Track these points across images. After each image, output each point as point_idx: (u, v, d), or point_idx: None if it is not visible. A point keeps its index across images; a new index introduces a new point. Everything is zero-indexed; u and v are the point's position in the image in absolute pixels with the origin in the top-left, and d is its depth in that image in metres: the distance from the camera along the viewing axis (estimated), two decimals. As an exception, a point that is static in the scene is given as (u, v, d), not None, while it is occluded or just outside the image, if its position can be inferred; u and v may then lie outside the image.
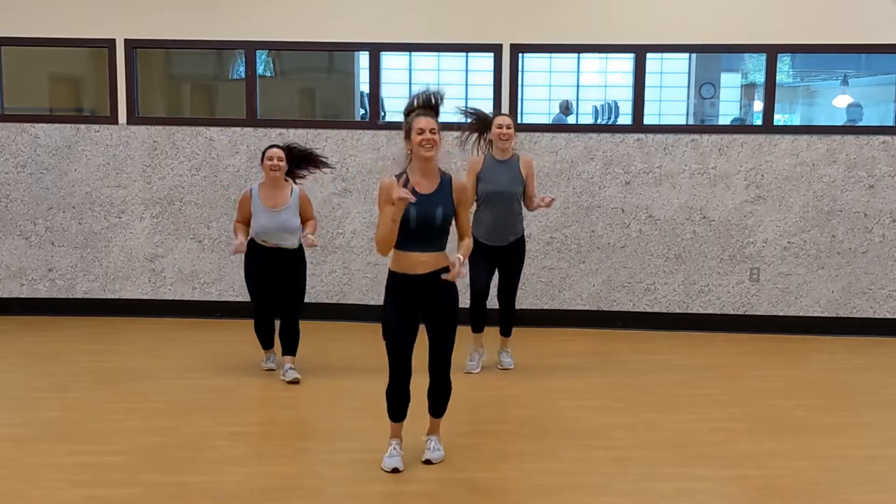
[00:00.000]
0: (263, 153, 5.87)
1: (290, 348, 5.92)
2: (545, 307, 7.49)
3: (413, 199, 3.96)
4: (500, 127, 5.89)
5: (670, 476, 4.31)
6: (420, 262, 4.16)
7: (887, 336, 7.24)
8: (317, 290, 7.56)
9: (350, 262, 7.60)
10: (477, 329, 6.14)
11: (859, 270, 7.31)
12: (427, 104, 4.19)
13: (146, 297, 7.69)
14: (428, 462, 4.37)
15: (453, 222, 4.27)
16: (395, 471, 4.28)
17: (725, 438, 4.84)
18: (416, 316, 4.24)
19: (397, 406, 4.34)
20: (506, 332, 6.21)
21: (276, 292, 5.87)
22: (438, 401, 4.40)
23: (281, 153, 5.84)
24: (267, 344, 6.10)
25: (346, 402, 5.37)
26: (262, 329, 6.04)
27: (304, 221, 5.88)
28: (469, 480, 4.23)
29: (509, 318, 6.17)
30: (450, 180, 4.24)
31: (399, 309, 4.22)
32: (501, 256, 5.98)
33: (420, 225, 4.12)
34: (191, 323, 7.48)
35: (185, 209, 7.59)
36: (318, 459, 4.52)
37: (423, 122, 4.13)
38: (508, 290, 6.11)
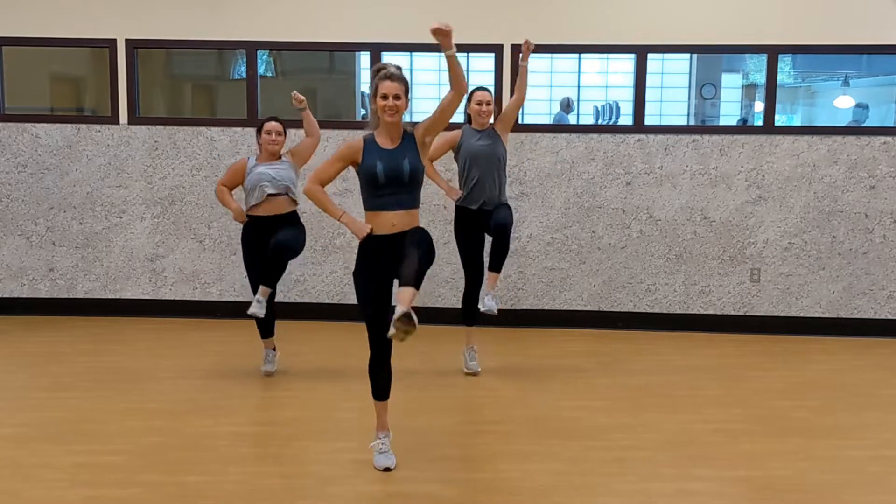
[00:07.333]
0: (260, 127, 5.62)
1: (269, 279, 5.50)
2: (546, 307, 7.49)
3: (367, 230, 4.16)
4: (480, 104, 5.77)
5: (670, 476, 4.31)
6: (391, 225, 4.16)
7: (888, 337, 7.23)
8: (317, 290, 7.57)
9: (350, 262, 7.55)
10: (468, 318, 5.90)
11: (860, 271, 7.30)
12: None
13: (147, 297, 7.70)
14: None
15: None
16: (388, 470, 4.27)
17: (726, 439, 4.84)
18: (391, 281, 4.19)
19: (382, 382, 4.32)
20: (495, 266, 5.69)
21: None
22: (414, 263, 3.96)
23: (280, 127, 5.61)
24: (266, 332, 5.79)
25: (346, 402, 5.36)
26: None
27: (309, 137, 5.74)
28: (469, 480, 4.23)
29: (502, 252, 5.67)
30: (412, 131, 4.21)
31: (373, 277, 4.19)
32: (488, 216, 5.73)
33: (389, 180, 4.11)
34: (191, 323, 7.48)
35: (185, 209, 7.59)
36: (318, 459, 4.51)
37: (386, 86, 4.08)
38: (503, 224, 5.63)
